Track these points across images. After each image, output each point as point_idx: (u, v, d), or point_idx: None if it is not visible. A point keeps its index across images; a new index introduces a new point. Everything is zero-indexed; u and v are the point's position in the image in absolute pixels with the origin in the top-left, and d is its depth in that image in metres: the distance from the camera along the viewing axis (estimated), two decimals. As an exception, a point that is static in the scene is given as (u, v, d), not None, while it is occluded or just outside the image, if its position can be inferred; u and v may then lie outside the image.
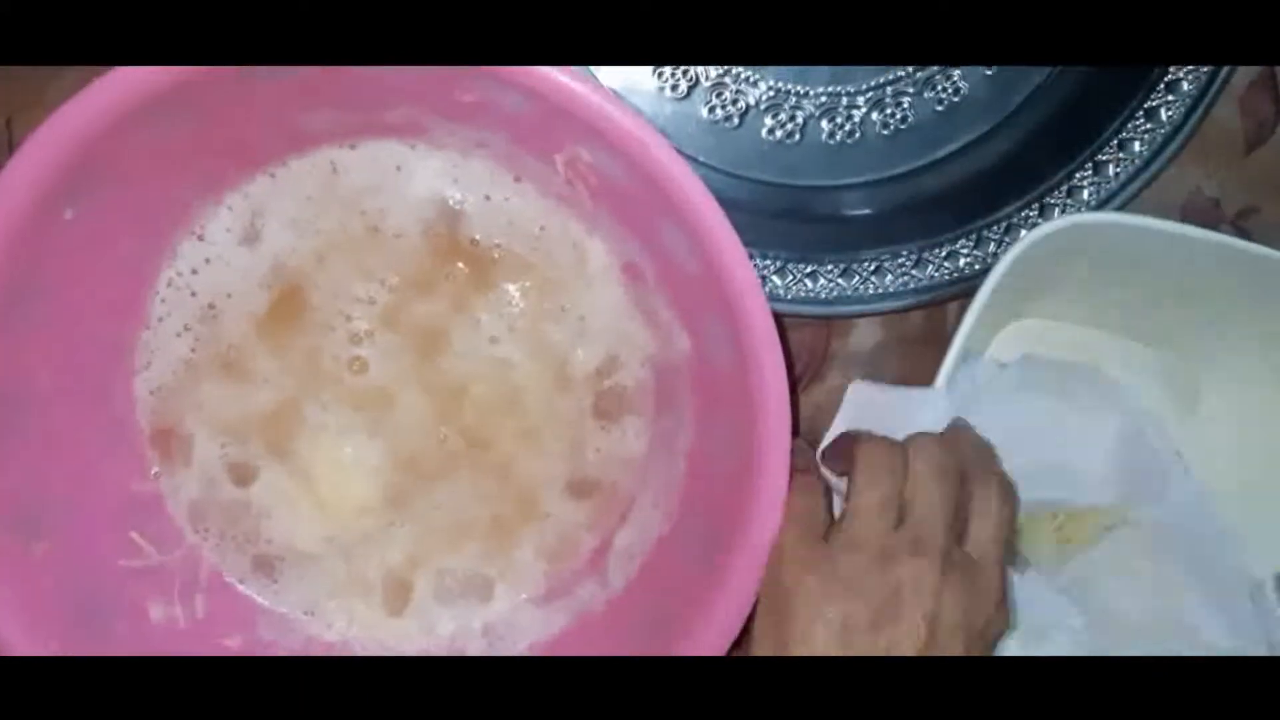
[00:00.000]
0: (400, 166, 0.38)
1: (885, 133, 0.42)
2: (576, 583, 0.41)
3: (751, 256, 0.41)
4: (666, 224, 0.34)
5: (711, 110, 0.42)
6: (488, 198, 0.38)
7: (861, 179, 0.42)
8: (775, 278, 0.42)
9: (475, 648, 0.41)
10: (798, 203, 0.42)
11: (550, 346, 0.40)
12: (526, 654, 0.41)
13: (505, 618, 0.42)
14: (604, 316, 0.40)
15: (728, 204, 0.42)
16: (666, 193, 0.32)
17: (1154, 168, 0.41)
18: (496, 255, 0.39)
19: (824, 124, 0.42)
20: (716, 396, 0.37)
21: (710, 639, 0.35)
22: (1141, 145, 0.41)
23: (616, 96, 0.32)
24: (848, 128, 0.42)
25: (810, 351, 0.45)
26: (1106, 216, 0.38)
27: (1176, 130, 0.40)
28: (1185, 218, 0.44)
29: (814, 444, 0.42)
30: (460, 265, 0.39)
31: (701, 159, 0.43)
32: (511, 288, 0.39)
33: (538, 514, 0.41)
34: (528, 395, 0.40)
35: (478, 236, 0.39)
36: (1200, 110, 0.40)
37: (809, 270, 0.42)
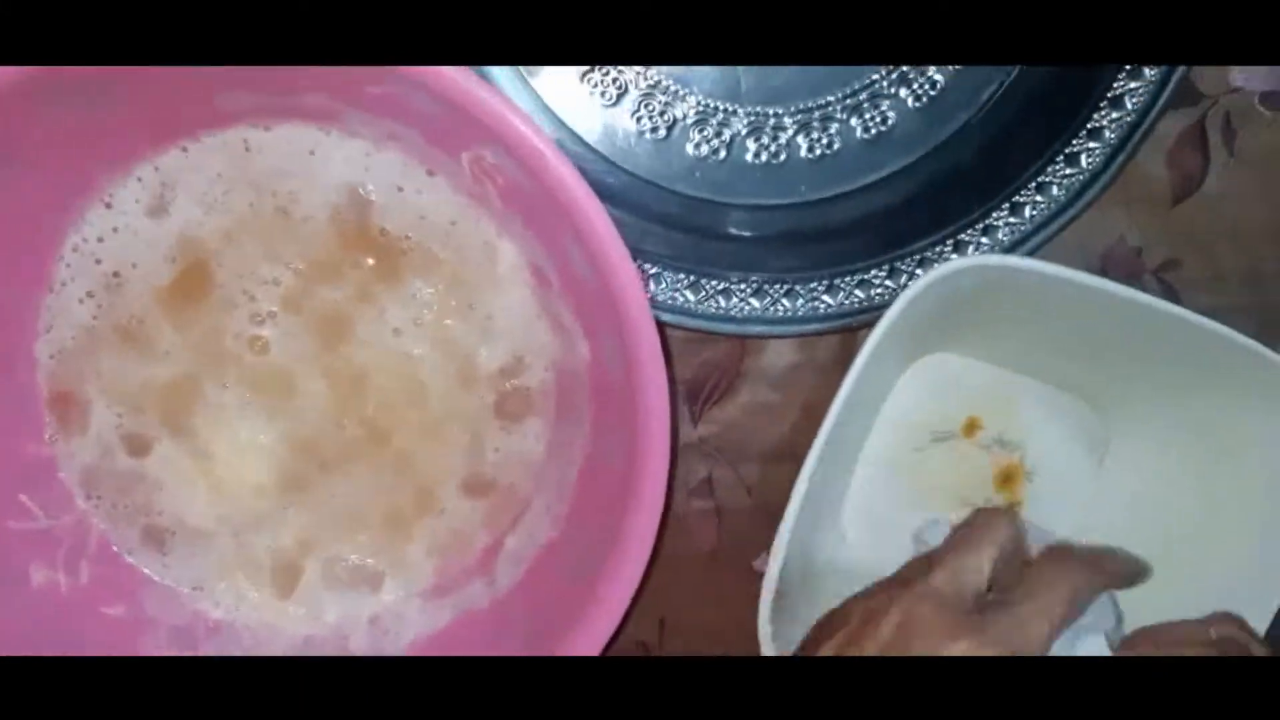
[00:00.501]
0: (314, 151, 0.38)
1: (810, 157, 0.43)
2: (466, 580, 0.41)
3: (664, 270, 0.42)
4: (564, 232, 0.34)
5: (639, 120, 0.42)
6: (399, 189, 0.38)
7: (781, 201, 0.42)
8: (688, 292, 0.42)
9: (360, 637, 0.41)
10: (717, 219, 0.42)
11: (455, 343, 0.40)
12: (410, 647, 0.41)
13: (393, 609, 0.42)
14: (511, 317, 0.40)
15: (648, 215, 0.43)
16: (561, 202, 0.33)
17: (1070, 213, 0.41)
18: (405, 247, 0.39)
19: (750, 143, 0.42)
20: (609, 406, 0.37)
21: (583, 650, 0.35)
22: (1059, 190, 0.41)
23: (513, 104, 0.32)
24: (773, 149, 0.42)
25: (722, 368, 0.45)
26: (1006, 260, 0.38)
27: (1095, 177, 0.41)
28: (1106, 266, 0.45)
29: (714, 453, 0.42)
30: (368, 255, 0.39)
31: (627, 167, 0.43)
32: (419, 281, 0.39)
33: (433, 509, 0.41)
34: (430, 390, 0.40)
35: (387, 227, 0.39)
36: (1120, 158, 0.41)
37: (722, 288, 0.42)
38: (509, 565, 0.41)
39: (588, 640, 0.35)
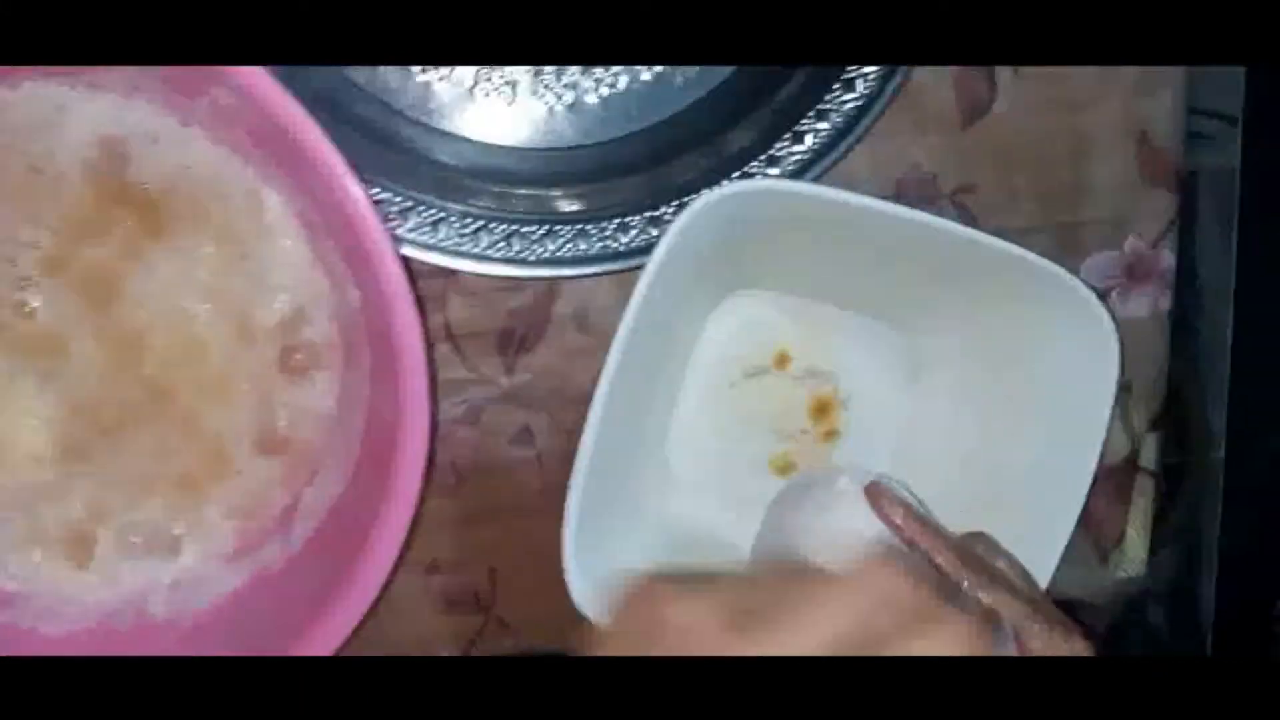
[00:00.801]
0: (62, 106, 0.37)
1: (593, 100, 0.42)
2: (264, 540, 0.41)
3: (450, 215, 0.41)
4: (307, 172, 0.33)
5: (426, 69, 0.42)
6: (155, 141, 0.37)
7: (568, 144, 0.42)
8: (483, 236, 0.41)
9: (160, 602, 0.41)
10: (500, 163, 0.42)
11: (231, 297, 0.39)
12: (207, 610, 0.40)
13: (193, 573, 0.41)
14: (285, 268, 0.39)
15: (426, 160, 0.42)
16: (296, 142, 0.32)
17: (851, 138, 0.41)
18: (169, 201, 0.38)
19: (534, 87, 0.42)
20: (382, 353, 0.37)
21: (353, 605, 0.35)
22: (839, 116, 0.41)
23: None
24: (557, 90, 0.42)
25: (531, 315, 0.45)
26: (773, 184, 0.38)
27: (871, 101, 0.41)
28: (901, 193, 0.45)
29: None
30: (131, 210, 0.38)
31: (412, 115, 0.42)
32: (188, 235, 0.39)
33: (227, 470, 0.41)
34: (210, 347, 0.40)
35: (148, 181, 0.38)
36: (896, 79, 0.41)
37: (511, 231, 0.41)
38: (303, 521, 0.40)
39: (355, 601, 0.35)
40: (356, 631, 0.47)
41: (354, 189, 0.32)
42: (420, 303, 0.44)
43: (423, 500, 0.45)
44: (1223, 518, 1.02)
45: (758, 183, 0.39)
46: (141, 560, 0.41)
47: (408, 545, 0.46)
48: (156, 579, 0.41)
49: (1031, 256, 0.41)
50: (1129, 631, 0.66)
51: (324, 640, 0.36)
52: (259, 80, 0.31)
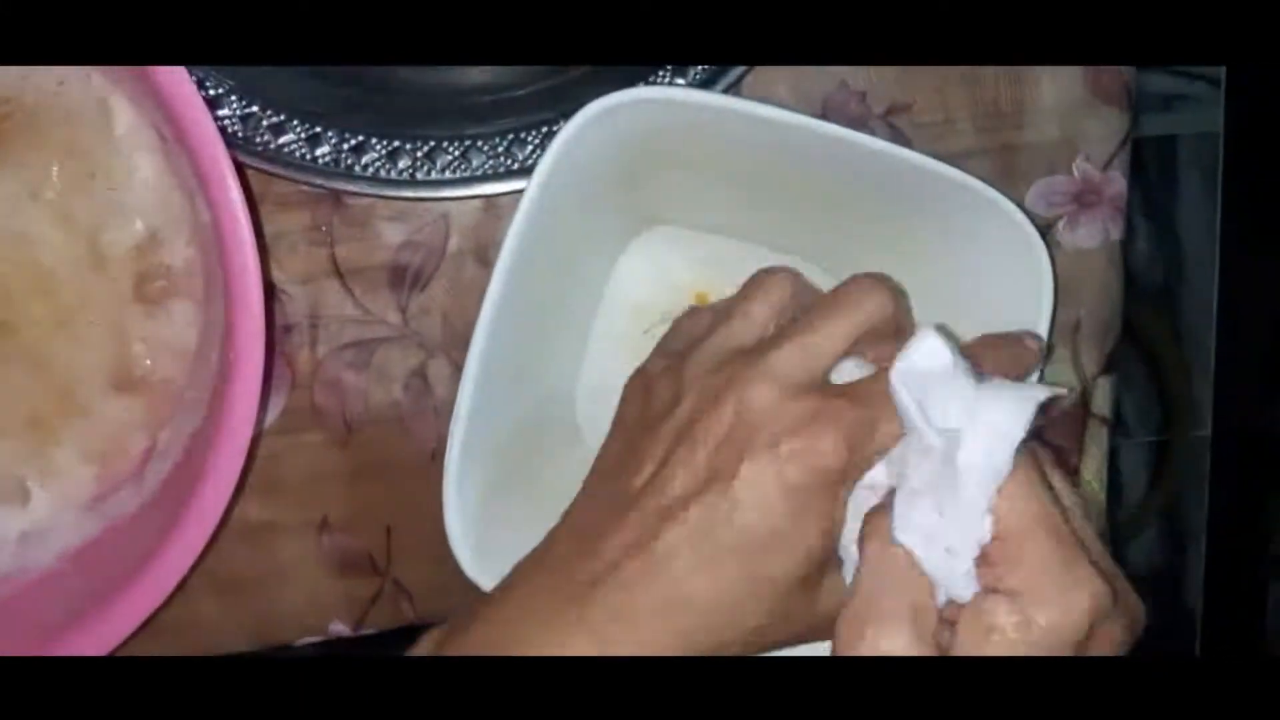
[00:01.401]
0: (-121, 2, 0.33)
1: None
2: (121, 486, 0.37)
3: (329, 129, 0.38)
4: (145, 81, 0.30)
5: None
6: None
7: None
8: (358, 155, 0.38)
9: (6, 556, 0.37)
10: (378, 76, 0.38)
11: (79, 219, 0.36)
12: (58, 560, 0.37)
13: (44, 523, 0.38)
14: (139, 187, 0.36)
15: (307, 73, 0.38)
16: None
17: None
18: (7, 111, 0.35)
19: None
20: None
21: (193, 532, 0.32)
22: (751, 20, 0.37)
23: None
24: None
25: (426, 248, 0.41)
26: (665, 92, 0.34)
27: (786, 4, 0.37)
28: (827, 114, 0.41)
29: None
30: (-38, 121, 0.35)
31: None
32: (29, 150, 0.35)
33: (80, 411, 0.37)
34: (58, 275, 0.36)
35: (-16, 89, 0.35)
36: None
37: (393, 147, 0.38)
38: (158, 464, 0.37)
39: (195, 531, 0.31)
40: (245, 602, 0.44)
41: (188, 95, 0.28)
42: (303, 235, 0.41)
43: (306, 454, 0.42)
44: (1210, 498, 0.99)
45: (653, 90, 0.35)
46: (-12, 510, 0.37)
47: (299, 504, 0.43)
48: (3, 532, 0.37)
49: (966, 178, 0.37)
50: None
51: (156, 587, 0.32)
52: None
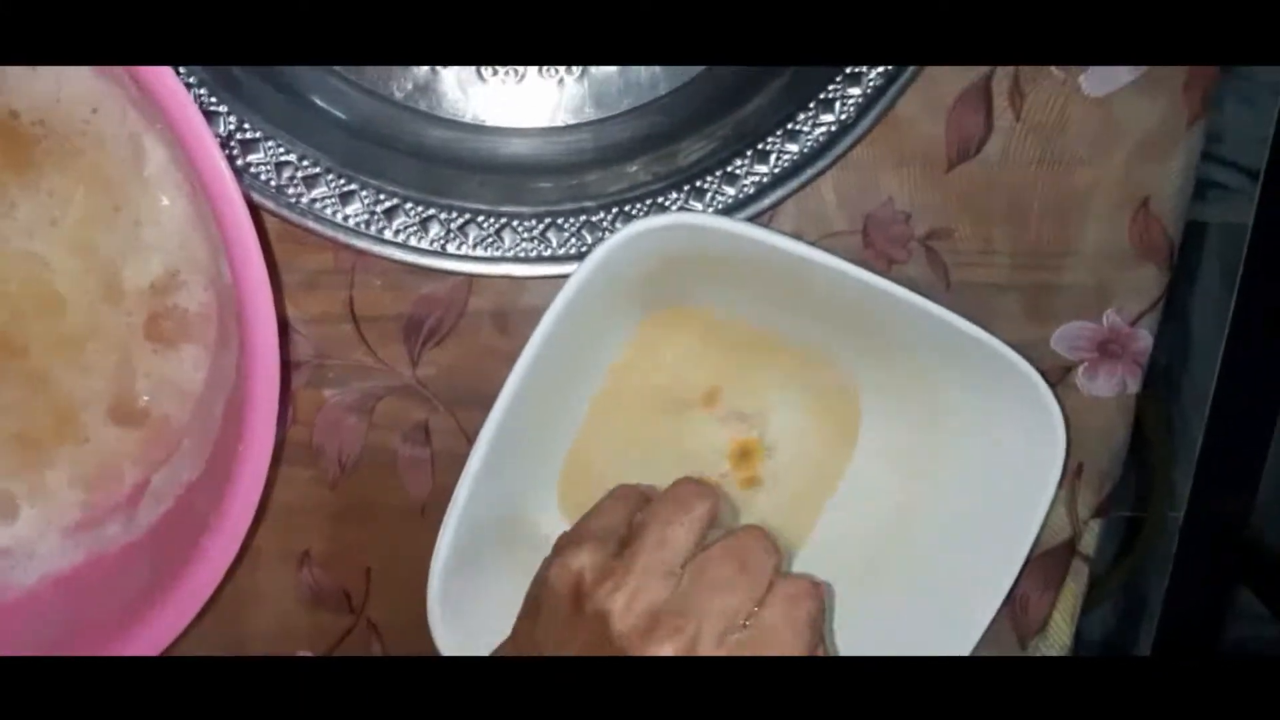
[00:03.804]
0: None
1: (547, 80, 0.37)
2: (109, 517, 0.37)
3: (366, 187, 0.37)
4: (174, 134, 0.29)
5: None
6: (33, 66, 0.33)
7: (512, 125, 0.38)
8: (397, 215, 0.37)
9: (-14, 570, 0.37)
10: (419, 132, 0.37)
11: (98, 251, 0.35)
12: (36, 585, 0.37)
13: (27, 542, 0.37)
14: (163, 227, 0.35)
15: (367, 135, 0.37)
16: (160, 102, 0.27)
17: (819, 165, 0.36)
18: (39, 134, 0.34)
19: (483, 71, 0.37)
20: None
21: (182, 605, 0.32)
22: (809, 139, 0.36)
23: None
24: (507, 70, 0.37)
25: (445, 305, 0.41)
26: (706, 220, 0.34)
27: (847, 128, 0.36)
28: (869, 229, 0.40)
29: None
30: (-10, 138, 0.33)
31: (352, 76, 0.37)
32: (56, 175, 0.34)
33: (76, 436, 0.37)
34: (70, 303, 0.35)
35: (19, 109, 0.33)
36: (879, 107, 0.36)
37: (427, 215, 0.37)
38: (151, 505, 0.36)
39: (186, 599, 0.31)
40: (209, 620, 0.43)
41: (205, 140, 0.27)
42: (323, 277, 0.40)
43: (295, 488, 0.42)
44: (1173, 574, 1.00)
45: (679, 217, 0.34)
46: (-27, 521, 0.37)
47: (282, 533, 0.43)
48: (-13, 544, 0.37)
49: (985, 337, 0.37)
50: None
51: (149, 640, 0.32)
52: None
